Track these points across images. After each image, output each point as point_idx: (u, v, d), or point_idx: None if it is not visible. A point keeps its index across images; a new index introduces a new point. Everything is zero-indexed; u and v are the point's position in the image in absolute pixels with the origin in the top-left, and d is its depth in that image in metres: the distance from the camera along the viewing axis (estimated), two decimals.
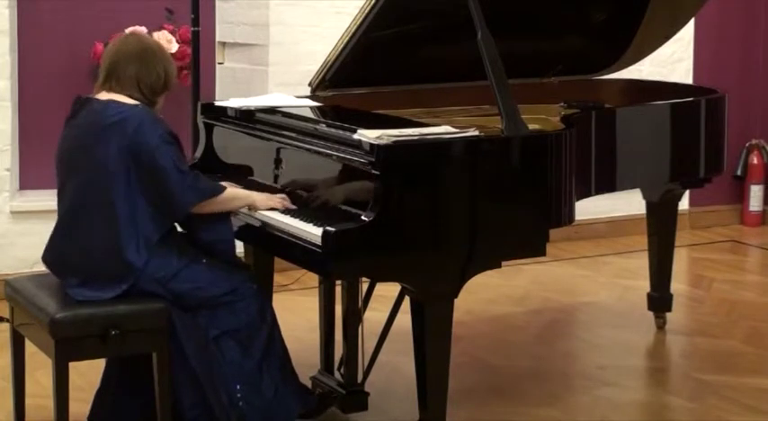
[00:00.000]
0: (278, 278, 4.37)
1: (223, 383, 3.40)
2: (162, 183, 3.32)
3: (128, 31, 5.17)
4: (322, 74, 4.13)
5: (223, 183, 3.50)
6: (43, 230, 5.13)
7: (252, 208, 3.51)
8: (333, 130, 3.50)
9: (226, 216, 3.49)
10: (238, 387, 3.41)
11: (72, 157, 3.43)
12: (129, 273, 3.32)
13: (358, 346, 3.82)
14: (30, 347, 3.53)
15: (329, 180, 3.45)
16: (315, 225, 3.29)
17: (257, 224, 3.53)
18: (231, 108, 3.93)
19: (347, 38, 4.00)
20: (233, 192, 3.49)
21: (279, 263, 3.88)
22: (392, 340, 3.84)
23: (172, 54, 4.62)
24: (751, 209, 7.06)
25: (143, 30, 5.31)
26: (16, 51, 5.33)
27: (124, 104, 3.38)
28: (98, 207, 3.34)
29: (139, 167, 3.31)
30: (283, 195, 3.54)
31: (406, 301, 3.45)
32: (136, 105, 3.39)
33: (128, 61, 3.43)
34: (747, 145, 7.05)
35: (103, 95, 3.43)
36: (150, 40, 3.58)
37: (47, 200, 5.22)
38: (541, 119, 4.12)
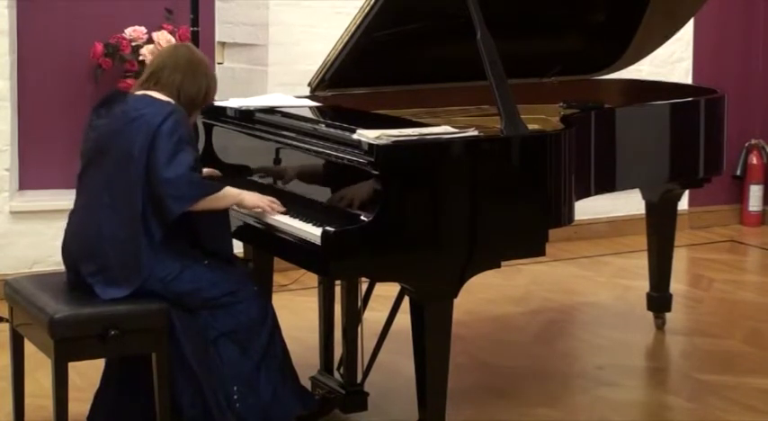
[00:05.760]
0: (278, 278, 4.37)
1: (221, 384, 3.40)
2: (164, 180, 3.30)
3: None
4: (321, 74, 4.13)
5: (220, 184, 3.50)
6: (43, 230, 5.20)
7: (240, 205, 3.50)
8: (332, 130, 3.50)
9: (225, 219, 3.50)
10: (236, 388, 3.40)
11: (101, 144, 3.43)
12: (141, 269, 3.32)
13: (357, 346, 3.82)
14: (29, 347, 3.53)
15: (328, 180, 3.45)
16: (314, 225, 3.29)
17: (257, 224, 3.53)
18: (231, 108, 3.92)
19: (347, 38, 3.99)
20: (225, 190, 3.45)
21: (279, 263, 3.88)
22: (392, 340, 3.84)
23: None
24: (750, 209, 7.06)
25: (142, 30, 5.32)
26: (16, 51, 5.32)
27: (158, 99, 3.42)
28: (122, 198, 3.34)
29: (154, 154, 3.31)
30: (272, 198, 3.51)
31: (406, 301, 3.45)
32: (170, 102, 3.42)
33: (176, 68, 3.47)
34: (747, 145, 7.05)
35: (140, 92, 3.47)
36: (200, 54, 3.58)
37: (46, 200, 5.24)
38: (541, 119, 4.12)
